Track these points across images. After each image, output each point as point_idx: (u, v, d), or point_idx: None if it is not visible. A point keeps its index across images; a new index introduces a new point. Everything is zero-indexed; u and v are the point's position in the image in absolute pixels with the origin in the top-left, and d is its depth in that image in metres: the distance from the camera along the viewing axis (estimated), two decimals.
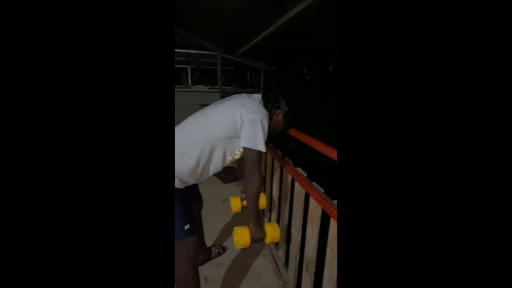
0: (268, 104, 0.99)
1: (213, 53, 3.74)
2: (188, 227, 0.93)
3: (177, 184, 0.91)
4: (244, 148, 0.90)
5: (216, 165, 0.95)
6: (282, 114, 1.00)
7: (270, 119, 0.99)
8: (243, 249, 1.56)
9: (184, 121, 0.98)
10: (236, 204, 1.30)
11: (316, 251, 1.00)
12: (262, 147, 0.90)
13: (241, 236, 0.97)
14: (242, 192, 1.33)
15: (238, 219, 1.89)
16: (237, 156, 0.99)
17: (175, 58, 4.21)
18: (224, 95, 3.31)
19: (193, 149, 0.88)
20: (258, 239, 1.00)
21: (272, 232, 1.03)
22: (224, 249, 1.55)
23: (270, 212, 1.57)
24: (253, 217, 1.00)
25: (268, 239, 1.03)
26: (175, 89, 4.34)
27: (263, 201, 1.11)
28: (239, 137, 0.92)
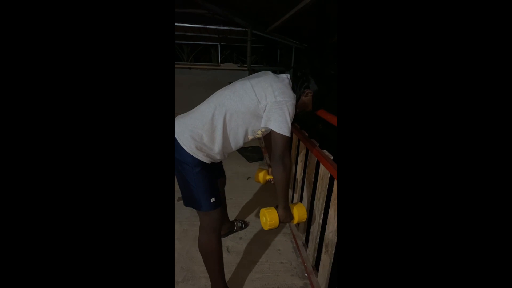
0: (298, 83, 0.95)
1: (244, 29, 3.65)
2: (214, 200, 0.97)
3: (204, 159, 0.94)
4: (272, 131, 0.91)
5: (238, 142, 0.97)
6: (311, 94, 0.97)
7: (298, 99, 0.96)
8: None
9: (212, 95, 1.00)
10: (261, 176, 1.31)
11: (337, 234, 1.00)
12: (288, 133, 0.90)
13: (270, 218, 1.01)
14: (269, 166, 1.33)
15: (260, 196, 1.94)
16: (258, 135, 1.00)
17: (206, 34, 4.20)
18: (253, 73, 3.26)
19: (218, 122, 0.90)
20: (286, 221, 1.05)
21: (299, 214, 1.08)
22: (246, 224, 1.61)
23: (293, 193, 1.58)
24: (283, 202, 1.02)
25: (295, 221, 1.08)
26: (205, 67, 4.39)
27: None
28: (261, 117, 0.92)
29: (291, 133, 0.93)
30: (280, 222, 1.02)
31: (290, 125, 0.90)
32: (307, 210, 1.34)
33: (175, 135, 0.92)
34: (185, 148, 0.90)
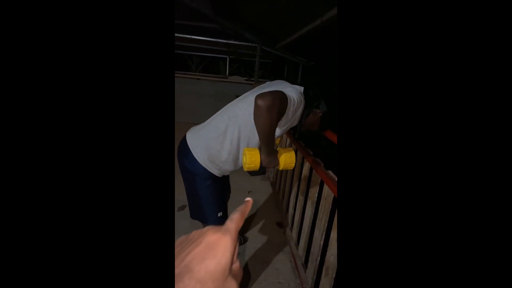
0: (308, 101, 0.97)
1: (253, 44, 3.74)
2: (221, 214, 0.97)
3: (216, 172, 0.95)
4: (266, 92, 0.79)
5: None
6: (320, 114, 0.98)
7: (307, 115, 0.97)
8: (264, 243, 1.59)
9: (225, 106, 1.01)
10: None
11: (337, 258, 0.98)
12: (285, 94, 0.81)
13: (250, 160, 0.87)
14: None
15: (261, 211, 1.92)
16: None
17: (215, 47, 4.30)
18: None
19: (233, 134, 0.91)
20: (269, 166, 0.92)
21: (286, 161, 0.93)
22: (246, 239, 1.59)
23: (295, 211, 1.56)
24: (266, 149, 0.87)
25: (281, 167, 0.94)
26: (213, 78, 4.47)
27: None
28: None
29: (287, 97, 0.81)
30: (262, 166, 0.90)
31: (293, 97, 0.83)
32: (309, 229, 1.32)
33: (190, 147, 0.93)
34: (198, 160, 0.91)
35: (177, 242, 0.25)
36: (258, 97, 0.76)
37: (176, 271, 0.20)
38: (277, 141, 0.98)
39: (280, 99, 0.78)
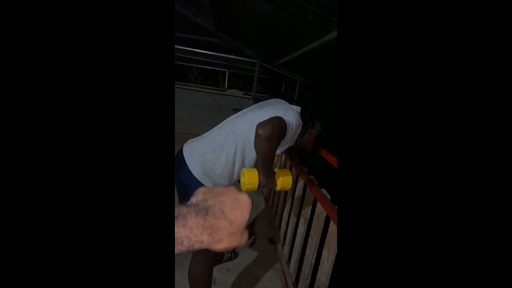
0: (304, 121, 1.00)
1: (253, 60, 3.84)
2: None
3: (210, 186, 0.95)
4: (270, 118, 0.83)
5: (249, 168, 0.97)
6: (315, 134, 1.00)
7: (302, 135, 1.00)
8: (254, 260, 1.57)
9: (224, 121, 1.03)
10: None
11: (329, 277, 0.97)
12: (287, 122, 0.85)
13: (248, 181, 0.90)
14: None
15: (253, 225, 1.90)
16: None
17: (216, 61, 4.39)
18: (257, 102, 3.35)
19: (230, 150, 0.93)
20: (267, 187, 0.95)
21: (283, 183, 0.97)
22: (236, 255, 1.57)
23: (287, 227, 1.56)
24: (264, 172, 0.91)
25: (278, 187, 0.98)
26: (211, 91, 4.53)
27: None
28: None
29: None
30: (260, 187, 0.93)
31: (292, 122, 0.87)
32: (301, 246, 1.31)
33: (186, 160, 0.94)
34: (193, 172, 0.92)
35: (202, 190, 0.34)
36: (259, 126, 0.80)
37: (213, 210, 0.29)
38: (275, 160, 1.00)
39: (280, 127, 0.82)
